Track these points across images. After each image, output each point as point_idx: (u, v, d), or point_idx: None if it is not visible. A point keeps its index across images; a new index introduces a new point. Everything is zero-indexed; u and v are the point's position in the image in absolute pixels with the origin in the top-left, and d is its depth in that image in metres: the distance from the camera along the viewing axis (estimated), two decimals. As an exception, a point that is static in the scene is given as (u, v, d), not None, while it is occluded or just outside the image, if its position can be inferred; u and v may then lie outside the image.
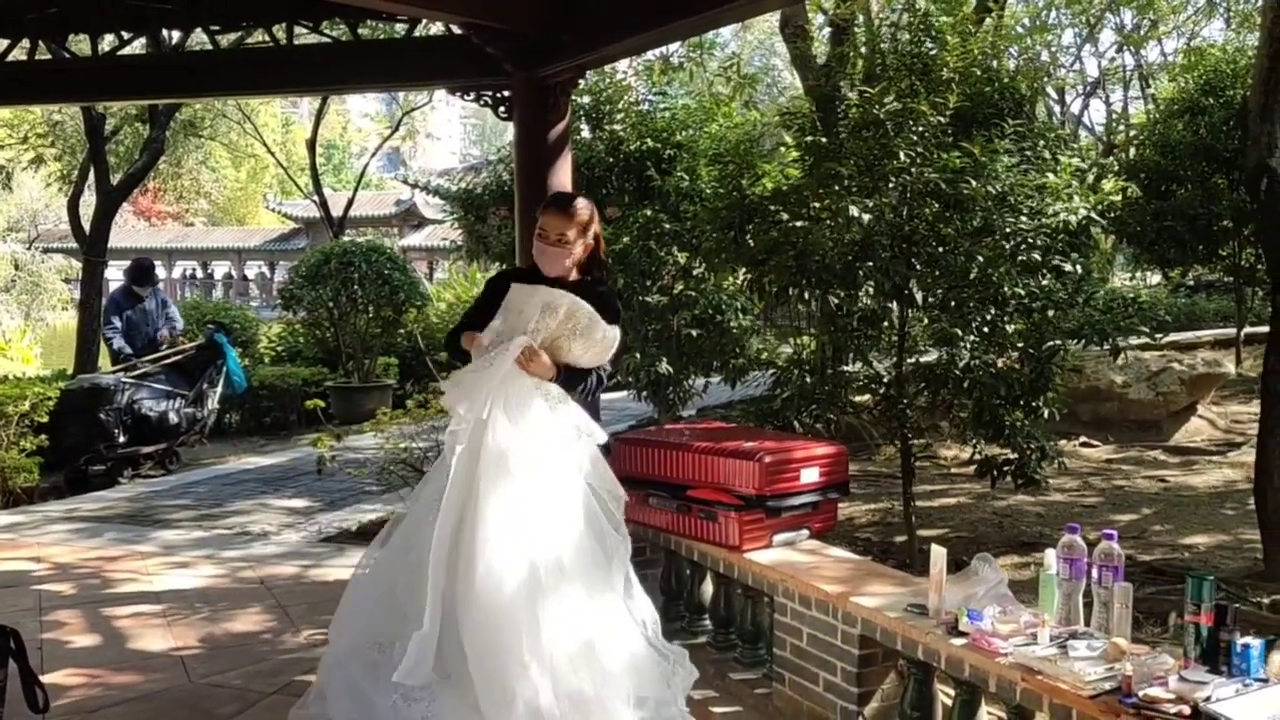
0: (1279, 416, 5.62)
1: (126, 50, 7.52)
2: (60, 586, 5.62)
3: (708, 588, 4.48)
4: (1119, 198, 6.34)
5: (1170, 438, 10.01)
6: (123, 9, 6.68)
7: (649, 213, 7.69)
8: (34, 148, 19.31)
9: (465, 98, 5.95)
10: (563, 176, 5.44)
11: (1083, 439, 9.79)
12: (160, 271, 12.77)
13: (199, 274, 40.18)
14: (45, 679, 3.51)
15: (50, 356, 17.38)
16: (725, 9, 4.57)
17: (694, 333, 7.84)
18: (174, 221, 41.49)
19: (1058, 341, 5.70)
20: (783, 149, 6.79)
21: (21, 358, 14.69)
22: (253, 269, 40.21)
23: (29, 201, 31.51)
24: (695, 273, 7.78)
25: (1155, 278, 19.05)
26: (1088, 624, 3.01)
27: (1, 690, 3.34)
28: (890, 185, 5.46)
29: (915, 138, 5.39)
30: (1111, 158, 16.69)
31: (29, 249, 23.56)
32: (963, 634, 3.07)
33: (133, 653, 4.63)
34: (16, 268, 21.03)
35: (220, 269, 40.39)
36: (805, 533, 4.16)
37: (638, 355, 7.60)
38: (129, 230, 36.14)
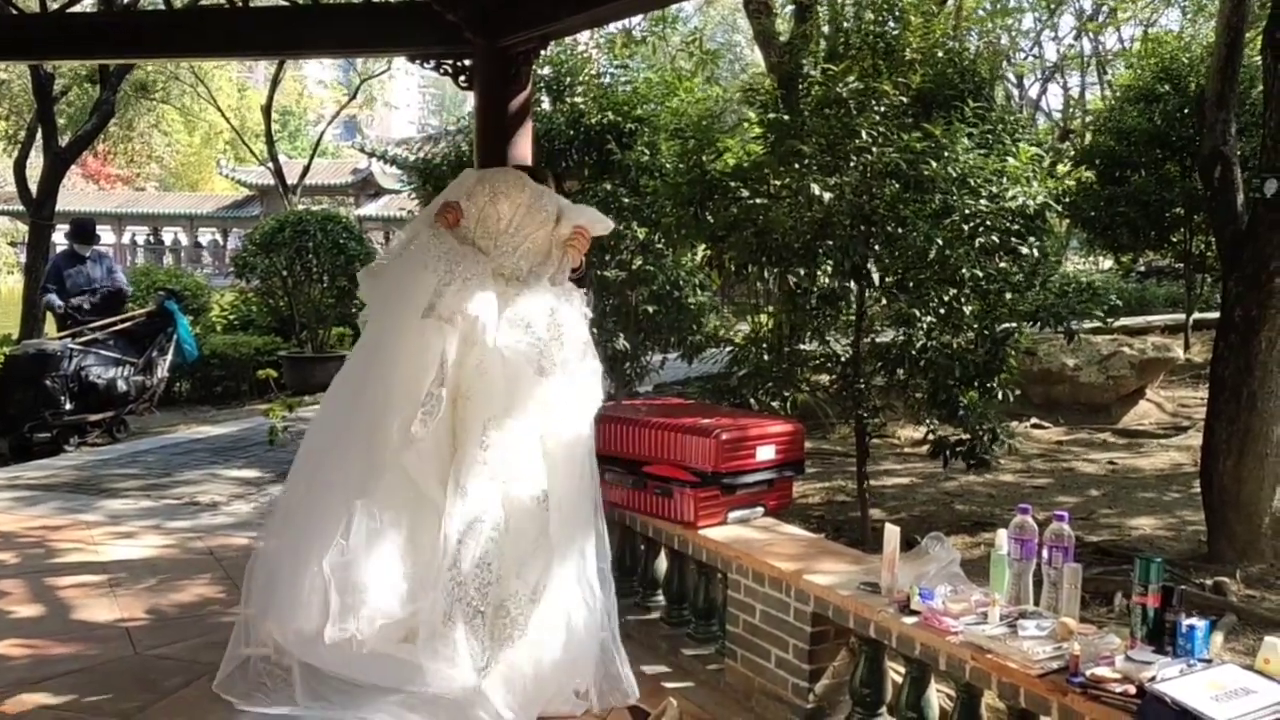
0: (1226, 402, 5.72)
1: (77, 8, 7.32)
2: (3, 555, 5.51)
3: (661, 563, 4.48)
4: (1074, 183, 6.41)
5: (1119, 421, 10.16)
6: (73, -35, 6.50)
7: (609, 187, 7.64)
8: (-22, 106, 18.85)
9: (425, 66, 5.86)
10: (523, 148, 5.38)
11: (1033, 421, 9.91)
12: (110, 236, 12.54)
13: (150, 240, 39.43)
14: (-14, 649, 3.45)
15: (-6, 321, 17.01)
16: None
17: (652, 309, 7.81)
18: (124, 186, 40.62)
19: (1013, 324, 5.75)
20: (745, 125, 6.78)
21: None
22: (205, 236, 39.55)
23: (-27, 162, 30.73)
24: (654, 248, 7.75)
25: (1107, 262, 19.28)
26: (1037, 604, 3.05)
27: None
28: (851, 164, 5.46)
29: (877, 117, 5.40)
30: (1068, 143, 16.84)
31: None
32: (914, 612, 3.09)
33: (78, 623, 4.55)
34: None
35: (170, 235, 39.67)
36: (760, 510, 4.17)
37: (595, 330, 7.56)
38: (78, 193, 35.36)
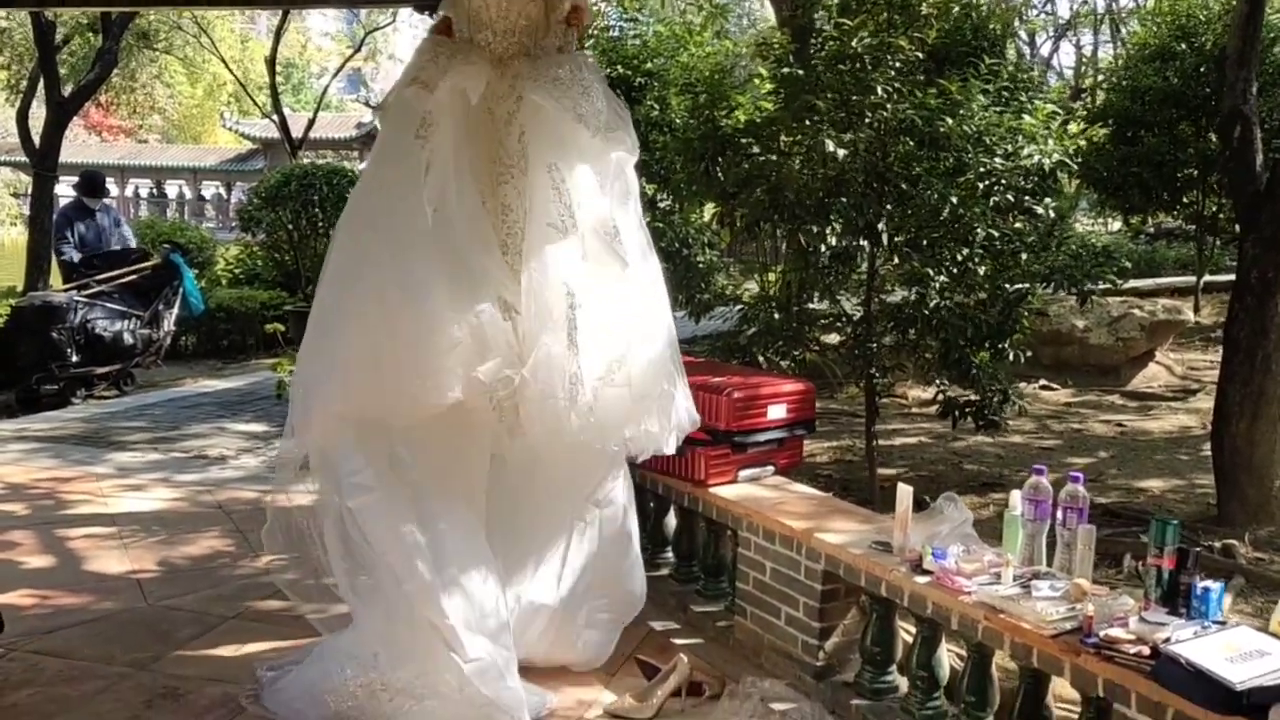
0: (1240, 364, 5.69)
1: (79, -45, 7.25)
2: (12, 506, 5.53)
3: (671, 521, 4.48)
4: (1085, 142, 6.32)
5: (1128, 383, 10.13)
6: (75, -89, 6.41)
7: (617, 142, 7.56)
8: (-21, 54, 18.63)
9: (434, 17, 5.77)
10: (532, 102, 5.30)
11: (1042, 382, 9.88)
12: (113, 189, 12.49)
13: (153, 193, 39.23)
14: (-2, 600, 3.46)
15: (-1, 273, 16.98)
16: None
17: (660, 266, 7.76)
18: (126, 138, 40.38)
19: (1026, 285, 5.71)
20: (756, 81, 6.69)
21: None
22: (208, 189, 39.34)
23: (-26, 112, 30.54)
24: (662, 205, 7.69)
25: (1116, 224, 19.14)
26: (1050, 565, 3.04)
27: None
28: (866, 121, 5.39)
29: (892, 73, 5.32)
30: (1079, 102, 16.63)
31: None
32: (927, 572, 3.09)
33: (89, 574, 4.57)
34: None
35: (174, 188, 39.46)
36: (771, 469, 4.16)
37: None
38: (80, 145, 35.15)
